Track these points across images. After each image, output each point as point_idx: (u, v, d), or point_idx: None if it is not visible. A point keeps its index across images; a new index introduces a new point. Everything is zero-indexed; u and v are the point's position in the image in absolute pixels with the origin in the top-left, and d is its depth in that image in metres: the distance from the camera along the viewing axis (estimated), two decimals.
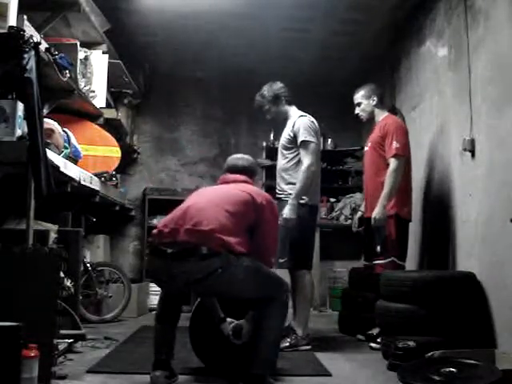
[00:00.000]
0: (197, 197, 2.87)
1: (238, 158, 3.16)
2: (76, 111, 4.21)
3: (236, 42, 5.56)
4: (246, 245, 2.65)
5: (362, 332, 4.06)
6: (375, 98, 4.13)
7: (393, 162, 3.86)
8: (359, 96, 4.16)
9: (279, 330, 2.74)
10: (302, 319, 3.76)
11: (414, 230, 4.68)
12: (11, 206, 3.30)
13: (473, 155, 3.54)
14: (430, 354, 2.75)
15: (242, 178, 2.99)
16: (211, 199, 2.76)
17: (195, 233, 2.57)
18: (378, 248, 3.88)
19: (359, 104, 4.17)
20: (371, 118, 4.18)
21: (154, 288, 5.82)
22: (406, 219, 3.98)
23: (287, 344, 3.62)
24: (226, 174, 3.07)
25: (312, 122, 3.91)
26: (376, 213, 3.82)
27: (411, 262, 4.69)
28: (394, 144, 3.87)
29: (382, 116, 4.13)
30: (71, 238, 3.70)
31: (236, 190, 2.83)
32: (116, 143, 4.65)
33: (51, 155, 3.01)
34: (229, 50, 5.77)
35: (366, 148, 4.22)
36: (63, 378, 2.66)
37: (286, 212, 3.66)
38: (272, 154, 5.78)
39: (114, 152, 4.61)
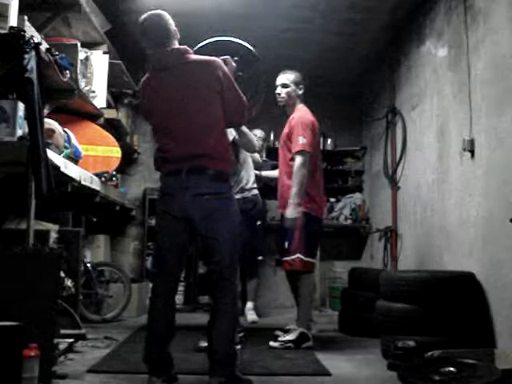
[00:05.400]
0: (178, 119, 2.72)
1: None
2: (76, 111, 4.20)
3: None
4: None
5: (363, 332, 4.08)
6: (302, 88, 4.00)
7: (298, 158, 3.74)
8: (289, 78, 3.96)
9: (233, 325, 2.64)
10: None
11: (415, 230, 4.69)
12: (12, 206, 3.30)
13: (472, 155, 3.54)
14: (429, 354, 2.76)
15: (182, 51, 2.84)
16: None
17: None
18: (286, 244, 3.82)
19: (286, 86, 3.96)
20: (288, 106, 4.01)
21: None
22: (315, 216, 3.86)
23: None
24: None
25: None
26: (289, 213, 3.70)
27: (411, 262, 4.70)
28: (300, 139, 3.76)
29: (295, 109, 3.97)
30: (72, 237, 3.71)
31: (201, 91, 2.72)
32: (116, 143, 4.64)
33: (52, 155, 3.01)
34: None
35: (279, 146, 4.12)
36: (64, 377, 2.67)
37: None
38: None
39: (115, 152, 4.60)
